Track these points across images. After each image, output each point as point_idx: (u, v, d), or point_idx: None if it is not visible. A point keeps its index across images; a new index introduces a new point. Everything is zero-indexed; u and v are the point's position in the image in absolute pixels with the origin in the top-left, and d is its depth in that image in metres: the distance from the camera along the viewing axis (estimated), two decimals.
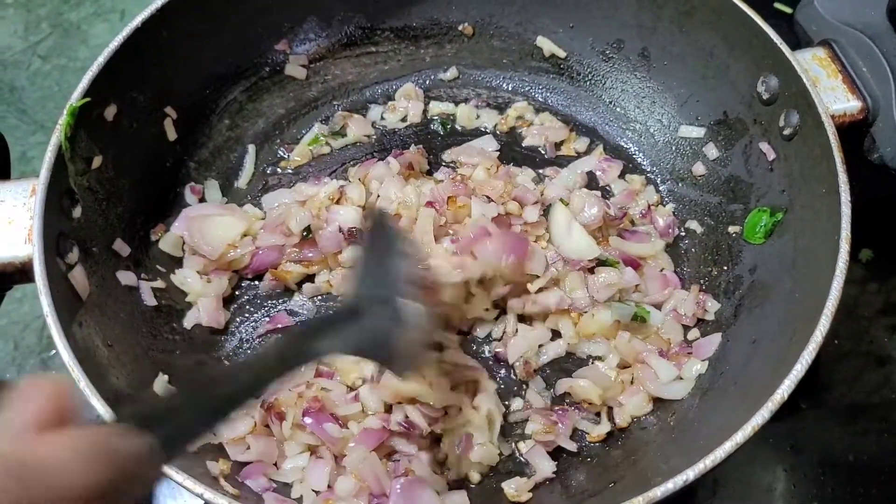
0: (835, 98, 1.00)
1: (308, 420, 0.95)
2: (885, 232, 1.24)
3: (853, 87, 1.01)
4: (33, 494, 0.36)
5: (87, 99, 0.97)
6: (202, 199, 1.17)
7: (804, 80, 0.97)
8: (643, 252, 1.11)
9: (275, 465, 0.95)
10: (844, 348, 1.15)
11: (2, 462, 0.36)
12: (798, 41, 1.12)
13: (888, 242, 1.23)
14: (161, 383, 0.98)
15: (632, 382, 1.03)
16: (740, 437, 0.77)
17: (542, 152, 1.23)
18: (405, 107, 1.27)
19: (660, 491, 0.74)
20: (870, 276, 1.21)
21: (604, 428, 1.00)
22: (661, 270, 1.11)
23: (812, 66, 1.02)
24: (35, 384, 0.43)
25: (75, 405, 0.45)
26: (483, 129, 1.26)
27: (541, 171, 1.20)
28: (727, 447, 0.77)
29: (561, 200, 1.11)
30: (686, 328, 1.06)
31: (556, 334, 1.06)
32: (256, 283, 1.12)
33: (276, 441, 0.96)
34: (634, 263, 1.10)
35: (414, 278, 0.87)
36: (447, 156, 1.22)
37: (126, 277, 1.03)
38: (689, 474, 0.75)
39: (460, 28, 1.29)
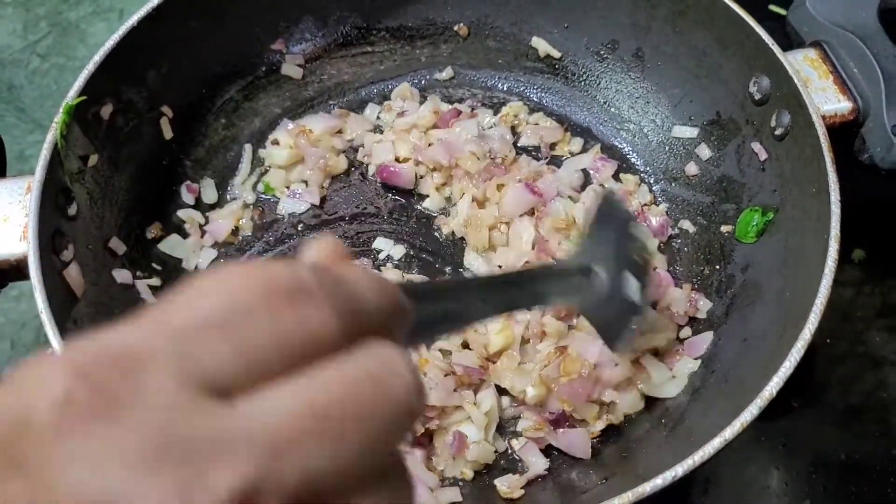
0: (826, 99, 1.01)
1: None
2: (880, 233, 1.25)
3: (844, 88, 1.02)
4: (346, 300, 0.37)
5: (83, 97, 0.97)
6: (198, 198, 1.17)
7: (795, 80, 0.97)
8: None
9: None
10: (839, 349, 1.16)
11: (318, 273, 0.37)
12: (790, 42, 1.13)
13: (883, 243, 1.24)
14: None
15: None
16: (729, 433, 0.78)
17: (537, 153, 1.24)
18: (401, 106, 1.27)
19: (648, 486, 0.75)
20: (866, 278, 1.22)
21: (597, 426, 1.01)
22: (655, 269, 1.12)
23: (804, 66, 1.03)
24: (319, 239, 0.44)
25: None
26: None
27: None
28: (716, 443, 0.77)
29: (570, 198, 1.13)
30: (678, 327, 1.07)
31: None
32: None
33: None
34: None
35: (639, 257, 0.88)
36: None
37: (122, 275, 1.04)
38: (678, 470, 0.76)
39: (455, 28, 1.29)
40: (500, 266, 1.10)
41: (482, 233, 1.11)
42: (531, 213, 1.11)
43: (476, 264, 1.12)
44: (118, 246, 1.04)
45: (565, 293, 0.81)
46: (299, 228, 1.17)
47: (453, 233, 1.15)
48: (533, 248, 1.08)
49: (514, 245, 1.09)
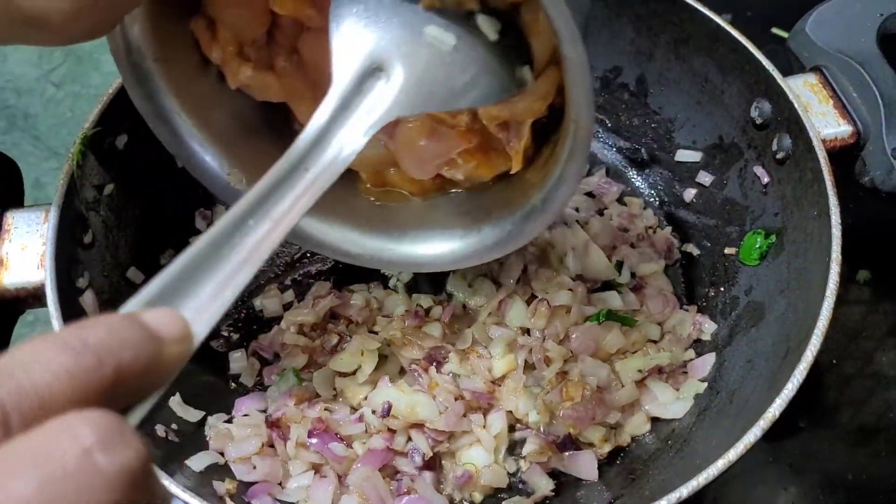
0: (826, 123, 1.02)
1: (313, 441, 0.97)
2: (885, 254, 1.26)
3: (844, 112, 1.03)
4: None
5: (99, 128, 1.00)
6: (210, 224, 1.19)
7: (796, 105, 0.99)
8: (648, 270, 1.14)
9: (280, 484, 0.97)
10: (848, 370, 1.16)
11: None
12: (791, 66, 1.14)
13: (889, 264, 1.25)
14: (175, 402, 1.01)
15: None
16: (733, 455, 0.79)
17: None
18: None
19: None
20: (875, 298, 1.23)
21: (604, 448, 1.02)
22: (661, 291, 1.13)
23: (804, 91, 1.05)
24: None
25: None
26: None
27: None
28: (720, 465, 0.78)
29: (577, 222, 1.14)
30: (683, 349, 1.08)
31: None
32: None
33: (281, 461, 0.98)
34: (637, 286, 1.12)
35: None
36: None
37: None
38: (683, 492, 0.77)
39: None
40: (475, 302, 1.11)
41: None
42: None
43: (459, 290, 1.12)
44: (136, 275, 1.07)
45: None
46: (308, 254, 1.19)
47: None
48: (518, 283, 1.09)
49: (503, 277, 1.10)
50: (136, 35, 0.86)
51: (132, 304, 0.49)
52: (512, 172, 0.86)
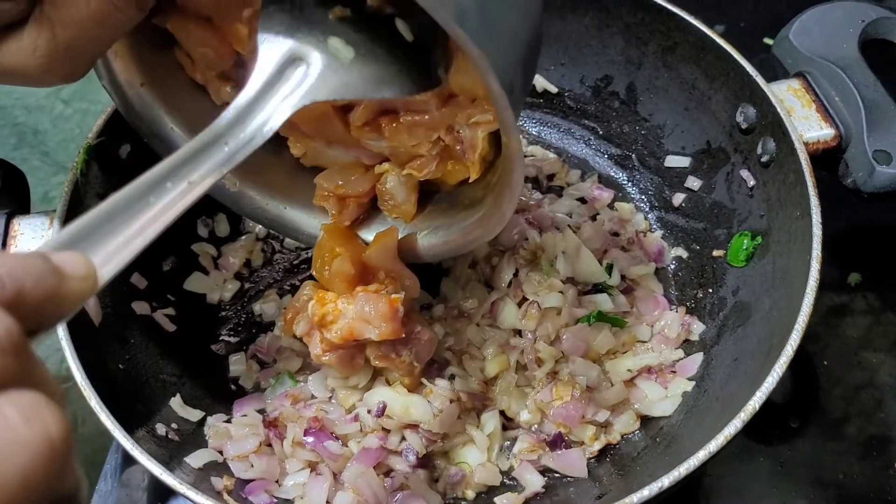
0: (809, 126, 1.04)
1: (309, 439, 0.99)
2: (878, 257, 1.27)
3: (826, 116, 1.05)
4: None
5: (102, 138, 1.03)
6: (212, 232, 1.22)
7: (779, 109, 1.01)
8: (638, 273, 1.16)
9: (276, 482, 0.99)
10: (840, 372, 1.18)
11: None
12: (776, 73, 1.17)
13: (881, 267, 1.26)
14: (176, 402, 1.03)
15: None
16: (713, 446, 0.81)
17: (538, 184, 1.28)
18: None
19: (636, 497, 0.78)
20: (878, 307, 1.24)
21: (595, 446, 1.04)
22: (651, 293, 1.15)
23: (787, 96, 1.07)
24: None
25: None
26: None
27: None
28: (700, 456, 0.80)
29: (569, 227, 1.16)
30: (672, 349, 1.10)
31: None
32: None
33: (278, 459, 1.00)
34: (627, 288, 1.15)
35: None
36: None
37: (140, 307, 1.09)
38: (664, 482, 0.79)
39: None
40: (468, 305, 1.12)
41: (468, 266, 1.15)
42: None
43: (452, 293, 1.14)
44: (139, 281, 1.10)
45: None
46: (306, 260, 1.22)
47: (441, 263, 1.17)
48: (509, 286, 1.11)
49: (495, 280, 1.13)
50: (121, 67, 0.93)
51: (45, 247, 0.54)
52: (471, 181, 0.93)
